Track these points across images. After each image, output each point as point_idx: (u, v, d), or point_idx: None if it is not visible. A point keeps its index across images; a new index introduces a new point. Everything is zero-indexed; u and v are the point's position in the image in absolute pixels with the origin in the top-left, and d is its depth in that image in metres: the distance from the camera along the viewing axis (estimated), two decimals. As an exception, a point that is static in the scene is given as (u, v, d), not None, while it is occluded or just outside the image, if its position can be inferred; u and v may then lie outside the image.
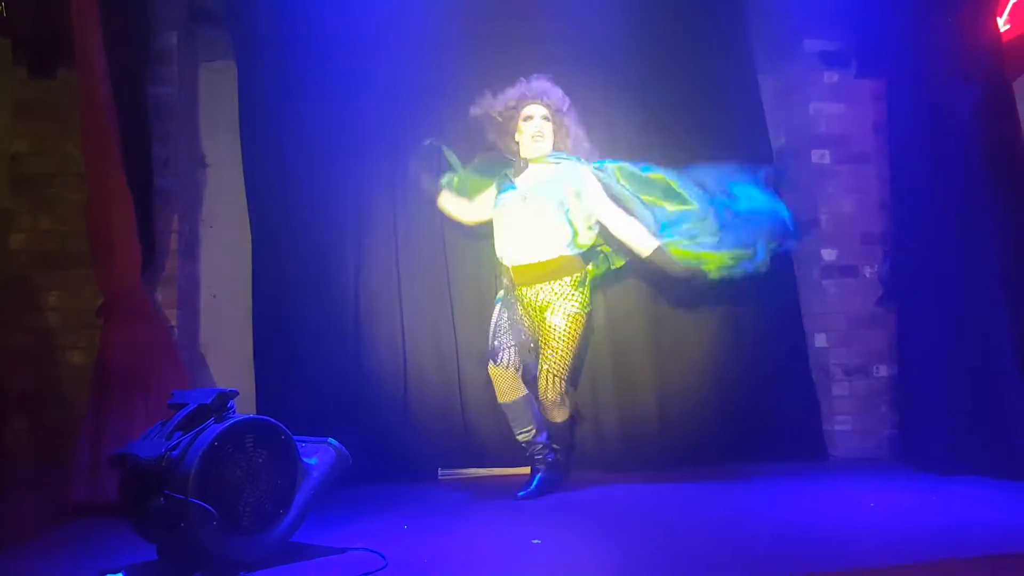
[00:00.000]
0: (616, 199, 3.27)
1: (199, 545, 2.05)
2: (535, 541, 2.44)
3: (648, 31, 3.94)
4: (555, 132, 3.34)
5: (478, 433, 3.73)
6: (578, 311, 3.21)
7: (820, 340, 4.02)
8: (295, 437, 2.31)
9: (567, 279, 3.23)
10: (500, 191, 3.37)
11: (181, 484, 2.03)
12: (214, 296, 3.94)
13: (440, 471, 3.72)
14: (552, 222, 3.22)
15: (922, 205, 3.53)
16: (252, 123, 3.78)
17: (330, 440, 2.43)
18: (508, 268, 3.32)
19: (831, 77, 4.09)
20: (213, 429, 2.13)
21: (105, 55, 3.16)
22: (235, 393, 2.27)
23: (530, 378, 3.35)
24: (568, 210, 3.22)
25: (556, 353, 3.17)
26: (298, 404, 3.50)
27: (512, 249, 3.28)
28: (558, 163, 3.32)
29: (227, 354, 3.86)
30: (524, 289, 3.28)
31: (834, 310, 4.00)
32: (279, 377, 3.62)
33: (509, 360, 3.27)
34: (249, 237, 3.75)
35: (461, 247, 3.84)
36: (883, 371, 3.97)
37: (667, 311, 3.88)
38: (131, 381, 3.15)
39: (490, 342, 3.33)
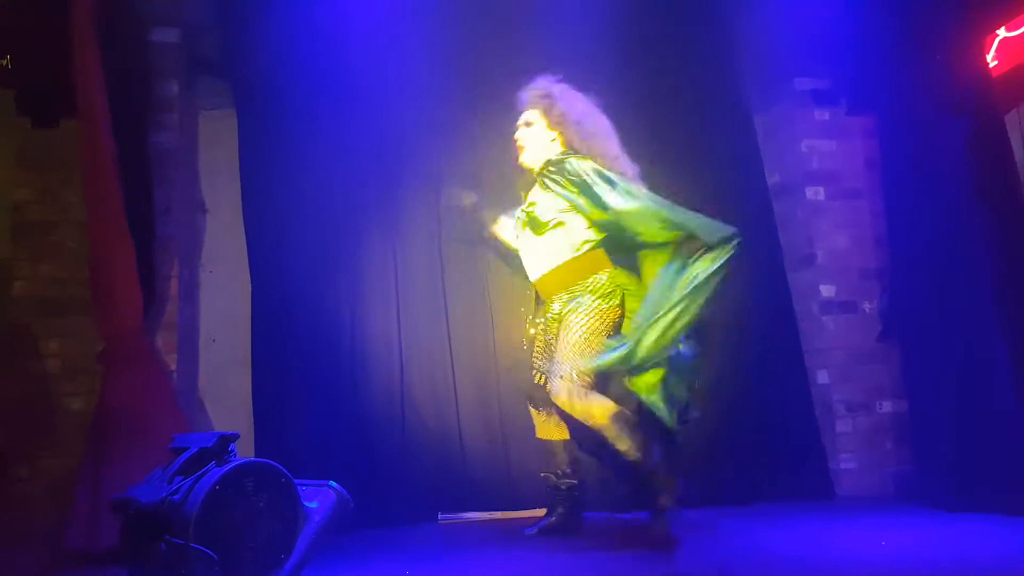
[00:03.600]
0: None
1: (199, 592, 2.01)
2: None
3: (639, 73, 4.01)
4: (556, 129, 3.13)
5: (477, 476, 3.70)
6: (598, 304, 2.97)
7: (822, 376, 4.01)
8: (296, 480, 2.28)
9: (586, 281, 3.02)
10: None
11: (182, 529, 2.01)
12: (213, 340, 3.93)
13: (440, 515, 3.68)
14: (553, 230, 3.06)
15: (918, 239, 3.55)
16: (251, 169, 3.81)
17: (331, 483, 2.41)
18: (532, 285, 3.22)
19: (822, 115, 4.16)
20: (214, 473, 2.11)
21: (107, 104, 3.21)
22: (236, 436, 2.25)
23: None
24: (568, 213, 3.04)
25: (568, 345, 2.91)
26: (297, 447, 3.47)
27: (527, 265, 3.19)
28: (550, 171, 3.09)
29: (226, 397, 3.84)
30: (550, 304, 3.12)
31: (834, 346, 4.00)
32: (278, 420, 3.59)
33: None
34: (248, 281, 3.76)
35: (459, 290, 3.85)
36: (887, 407, 3.95)
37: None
38: (130, 427, 3.13)
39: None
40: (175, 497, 2.07)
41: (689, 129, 4.00)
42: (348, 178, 3.84)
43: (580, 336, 2.93)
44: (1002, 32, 3.88)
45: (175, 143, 3.71)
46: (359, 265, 3.83)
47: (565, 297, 3.06)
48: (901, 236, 3.69)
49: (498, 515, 3.68)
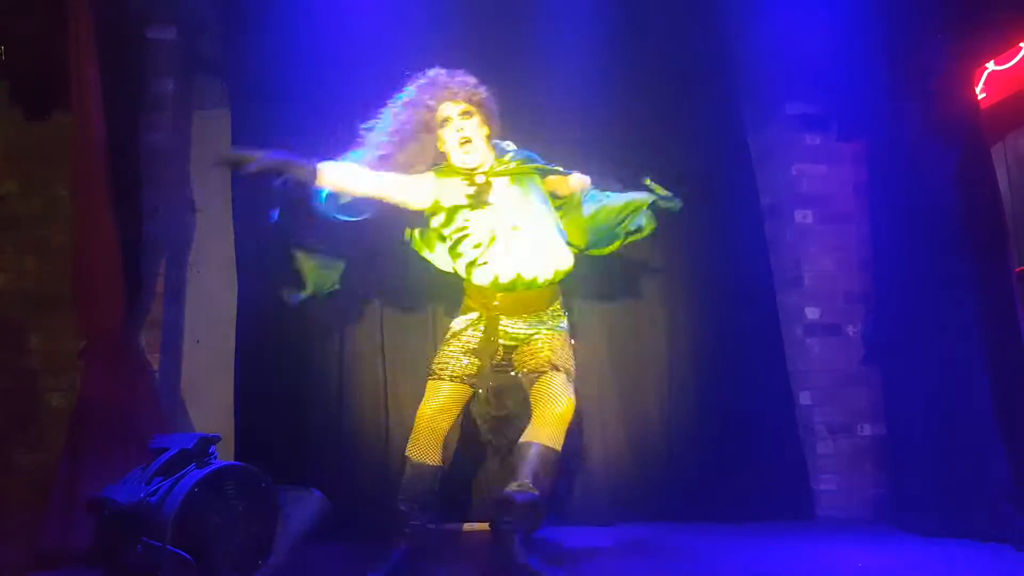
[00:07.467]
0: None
1: (174, 595, 2.00)
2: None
3: (635, 94, 4.03)
4: (487, 125, 2.76)
5: (455, 487, 3.69)
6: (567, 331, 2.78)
7: (804, 398, 4.04)
8: (276, 486, 2.27)
9: (555, 306, 2.81)
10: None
11: (159, 531, 1.99)
12: (198, 341, 3.91)
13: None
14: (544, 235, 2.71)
15: (903, 265, 3.58)
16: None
17: (312, 490, 2.40)
18: (492, 293, 2.73)
19: (813, 139, 4.20)
20: (194, 475, 2.10)
21: (101, 99, 3.20)
22: (217, 438, 2.25)
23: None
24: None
25: (565, 353, 2.70)
26: (278, 452, 3.44)
27: (500, 273, 2.69)
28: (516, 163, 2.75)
29: (208, 400, 3.81)
30: (506, 320, 2.74)
31: (818, 368, 4.03)
32: (260, 424, 3.57)
33: None
34: (235, 283, 3.74)
35: (445, 301, 3.84)
36: (867, 430, 3.97)
37: (650, 369, 3.90)
38: (109, 425, 3.10)
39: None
40: (153, 498, 2.05)
41: (684, 150, 4.02)
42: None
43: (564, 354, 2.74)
44: (991, 65, 3.94)
45: (168, 142, 3.70)
46: (346, 273, 3.81)
47: (537, 319, 2.76)
48: (886, 261, 3.72)
49: (479, 527, 3.67)
